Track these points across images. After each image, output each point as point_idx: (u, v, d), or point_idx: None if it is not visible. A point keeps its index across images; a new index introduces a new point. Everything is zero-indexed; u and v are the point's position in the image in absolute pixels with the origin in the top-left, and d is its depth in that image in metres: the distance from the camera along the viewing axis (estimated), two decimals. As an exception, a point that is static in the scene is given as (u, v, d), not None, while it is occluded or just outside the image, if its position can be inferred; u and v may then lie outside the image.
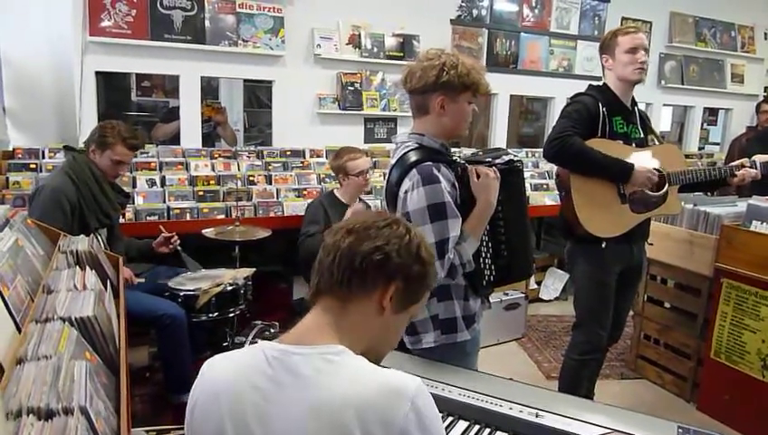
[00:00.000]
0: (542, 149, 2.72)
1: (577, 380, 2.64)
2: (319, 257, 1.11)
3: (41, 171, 3.40)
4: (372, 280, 1.06)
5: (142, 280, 2.89)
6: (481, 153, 2.01)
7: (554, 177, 3.07)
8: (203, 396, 1.04)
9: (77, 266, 1.89)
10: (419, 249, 1.10)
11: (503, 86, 4.98)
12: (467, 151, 3.87)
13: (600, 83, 2.55)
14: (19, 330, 1.34)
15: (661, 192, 2.50)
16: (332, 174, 3.89)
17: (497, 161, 1.83)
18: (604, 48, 2.51)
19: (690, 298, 3.21)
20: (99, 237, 2.69)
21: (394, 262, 1.06)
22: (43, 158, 3.51)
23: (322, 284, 1.08)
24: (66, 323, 1.41)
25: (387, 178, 1.83)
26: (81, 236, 2.22)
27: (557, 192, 2.72)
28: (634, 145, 2.51)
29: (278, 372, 0.98)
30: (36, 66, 3.54)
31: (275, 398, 0.97)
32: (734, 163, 2.58)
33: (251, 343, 2.62)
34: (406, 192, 1.69)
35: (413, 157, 1.71)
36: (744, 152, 4.04)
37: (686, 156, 5.64)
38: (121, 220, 3.08)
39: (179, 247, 3.05)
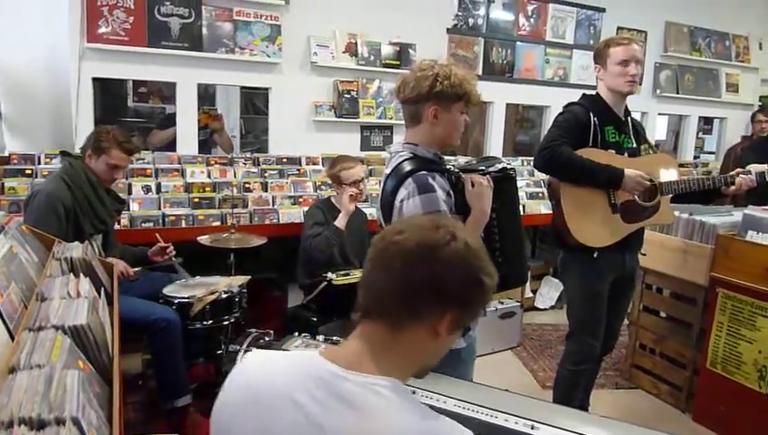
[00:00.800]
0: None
1: (571, 390, 2.64)
2: (366, 272, 1.01)
3: (36, 177, 3.39)
4: (428, 309, 0.97)
5: (138, 269, 2.87)
6: (474, 162, 2.02)
7: (546, 186, 3.08)
8: (236, 396, 1.00)
9: (71, 274, 1.89)
10: (480, 272, 0.99)
11: (498, 95, 5.01)
12: (462, 160, 3.88)
13: (594, 93, 2.56)
14: (12, 338, 1.34)
15: (653, 202, 2.51)
16: (328, 182, 3.91)
17: (491, 169, 1.85)
18: (597, 58, 2.51)
19: (685, 308, 3.21)
20: (94, 243, 2.68)
21: (453, 290, 0.96)
22: (39, 163, 3.49)
23: (371, 306, 0.99)
24: (59, 331, 1.40)
25: (382, 187, 1.84)
26: (76, 242, 2.22)
27: (549, 201, 2.73)
28: (626, 155, 2.51)
29: (325, 393, 0.92)
30: (33, 72, 3.54)
31: (319, 420, 0.91)
32: (730, 173, 2.57)
33: (245, 351, 2.60)
34: (401, 201, 1.69)
35: (408, 166, 1.72)
36: (739, 161, 4.06)
37: (682, 165, 5.65)
38: (116, 227, 3.07)
39: (174, 258, 3.04)
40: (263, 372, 1.00)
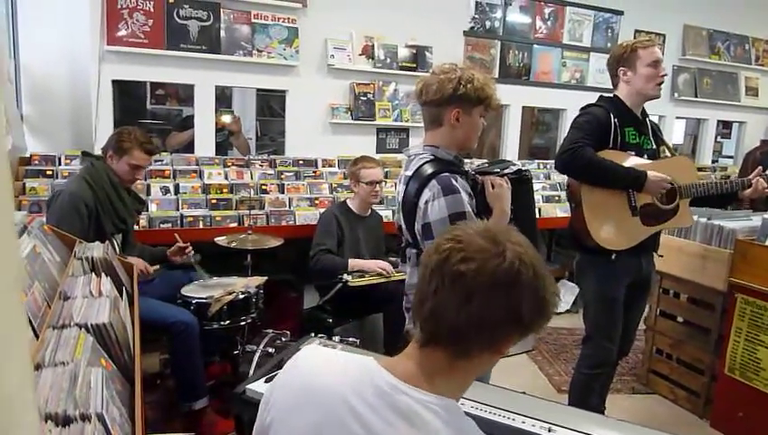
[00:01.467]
0: (553, 161, 2.71)
1: (587, 394, 2.62)
2: (428, 298, 0.96)
3: (56, 178, 3.44)
4: (497, 340, 0.97)
5: (157, 267, 2.92)
6: (487, 164, 2.04)
7: (565, 188, 3.07)
8: (288, 393, 1.00)
9: (92, 273, 1.92)
10: (546, 293, 0.97)
11: (515, 97, 5.00)
12: (476, 162, 3.88)
13: (611, 95, 2.54)
14: (36, 336, 1.36)
15: (672, 205, 2.49)
16: (344, 184, 3.94)
17: (506, 171, 1.86)
18: (622, 61, 2.46)
19: (703, 313, 3.18)
20: (114, 242, 2.72)
21: (526, 316, 0.94)
22: (59, 164, 3.55)
23: (438, 336, 0.96)
24: (82, 329, 1.43)
25: (404, 190, 1.85)
26: (97, 242, 2.25)
27: (568, 204, 2.72)
28: (646, 157, 2.49)
29: (380, 402, 0.93)
30: (54, 74, 3.59)
31: (376, 431, 0.91)
32: (750, 176, 2.54)
33: (262, 351, 2.63)
34: (426, 203, 1.71)
35: (430, 168, 1.74)
36: (757, 166, 4.02)
37: (700, 169, 5.60)
38: (135, 227, 3.10)
39: (193, 259, 3.08)
40: (319, 371, 1.00)
